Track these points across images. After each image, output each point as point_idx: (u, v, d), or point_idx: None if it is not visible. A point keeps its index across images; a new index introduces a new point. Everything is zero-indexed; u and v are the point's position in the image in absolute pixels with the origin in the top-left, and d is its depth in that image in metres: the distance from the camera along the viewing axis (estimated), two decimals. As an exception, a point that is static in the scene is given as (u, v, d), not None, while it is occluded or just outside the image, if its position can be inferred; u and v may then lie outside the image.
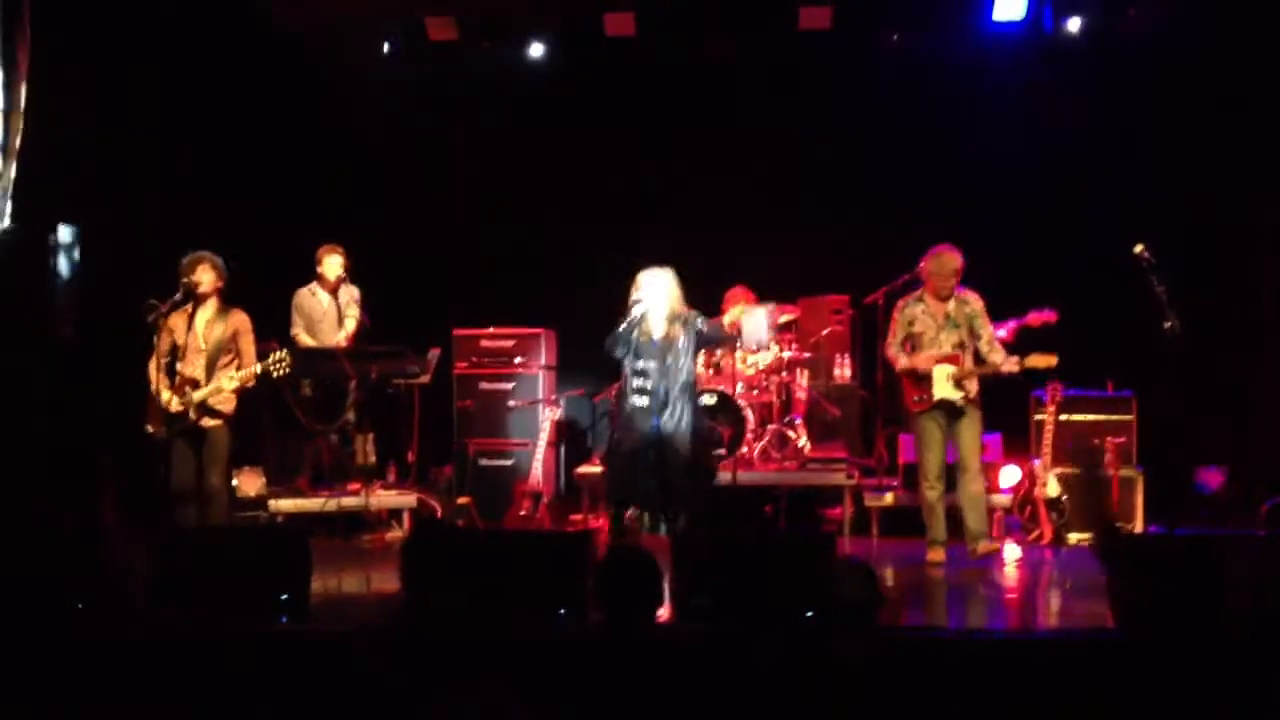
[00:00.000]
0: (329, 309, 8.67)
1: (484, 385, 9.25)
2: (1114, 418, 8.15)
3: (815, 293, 9.73)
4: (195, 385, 6.87)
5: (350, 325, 8.71)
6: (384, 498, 8.60)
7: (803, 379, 9.40)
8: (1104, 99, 9.13)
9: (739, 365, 8.95)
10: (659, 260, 7.21)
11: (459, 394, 9.24)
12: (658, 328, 7.02)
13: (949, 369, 7.04)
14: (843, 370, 9.58)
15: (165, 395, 6.81)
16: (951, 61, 9.36)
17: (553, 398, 9.11)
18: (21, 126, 7.52)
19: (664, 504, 6.91)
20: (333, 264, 8.60)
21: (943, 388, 7.05)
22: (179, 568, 5.62)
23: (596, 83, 9.80)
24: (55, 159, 7.81)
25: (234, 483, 7.88)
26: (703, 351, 9.00)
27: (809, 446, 9.01)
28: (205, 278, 6.91)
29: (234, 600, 5.44)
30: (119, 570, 5.79)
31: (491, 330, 9.33)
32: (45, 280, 8.03)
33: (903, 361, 7.20)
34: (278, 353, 6.96)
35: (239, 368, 6.96)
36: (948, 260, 7.08)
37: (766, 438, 8.95)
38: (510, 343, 9.29)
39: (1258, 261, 8.83)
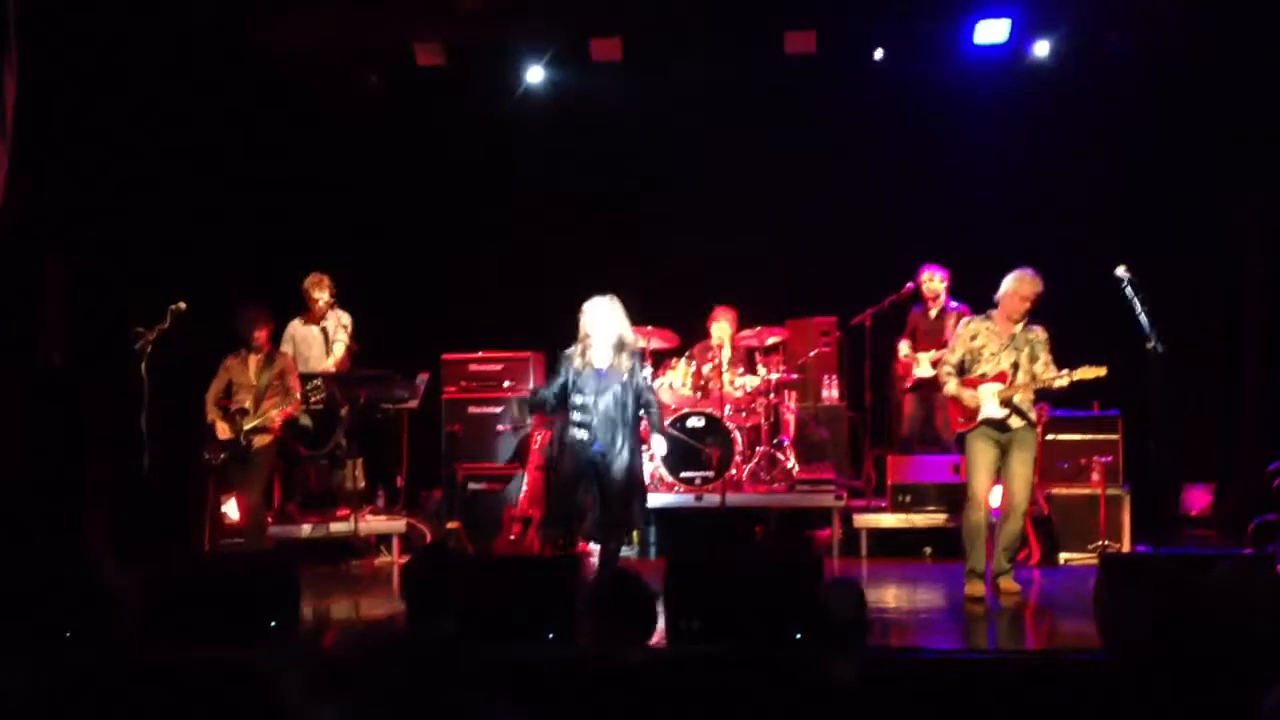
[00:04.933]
0: (317, 336, 8.72)
1: (473, 409, 9.26)
2: (1100, 437, 8.18)
3: (803, 315, 9.77)
4: (245, 415, 7.57)
5: (339, 351, 8.75)
6: (373, 523, 8.59)
7: (791, 401, 9.42)
8: (1084, 121, 9.21)
9: (727, 388, 8.98)
10: (667, 281, 7.23)
11: (448, 418, 9.24)
12: (602, 356, 6.88)
13: (996, 387, 6.82)
14: (830, 392, 9.60)
15: (220, 425, 7.58)
16: (935, 84, 9.42)
17: (541, 421, 9.10)
18: (10, 152, 7.52)
19: (602, 536, 6.93)
20: (321, 292, 8.66)
21: (989, 407, 6.82)
22: (167, 595, 5.60)
23: (583, 107, 9.84)
24: (44, 185, 7.82)
25: (222, 509, 7.92)
26: (690, 374, 9.07)
27: (797, 468, 9.03)
28: (260, 335, 7.69)
29: (222, 627, 5.42)
30: (106, 598, 5.78)
31: (480, 354, 9.34)
32: (34, 307, 8.02)
33: (949, 388, 6.98)
34: (314, 381, 7.79)
35: (285, 400, 7.63)
36: (1027, 284, 6.84)
37: (755, 460, 8.97)
38: (498, 366, 9.30)
39: (1241, 280, 8.90)
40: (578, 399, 6.88)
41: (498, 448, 9.20)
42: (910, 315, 9.18)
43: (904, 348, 9.10)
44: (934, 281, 8.95)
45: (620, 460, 6.82)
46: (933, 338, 8.93)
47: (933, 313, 9.00)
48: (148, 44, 8.39)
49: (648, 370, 7.09)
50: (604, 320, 6.88)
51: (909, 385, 9.10)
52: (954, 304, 8.90)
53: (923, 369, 8.89)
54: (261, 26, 8.94)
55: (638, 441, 7.01)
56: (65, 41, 7.91)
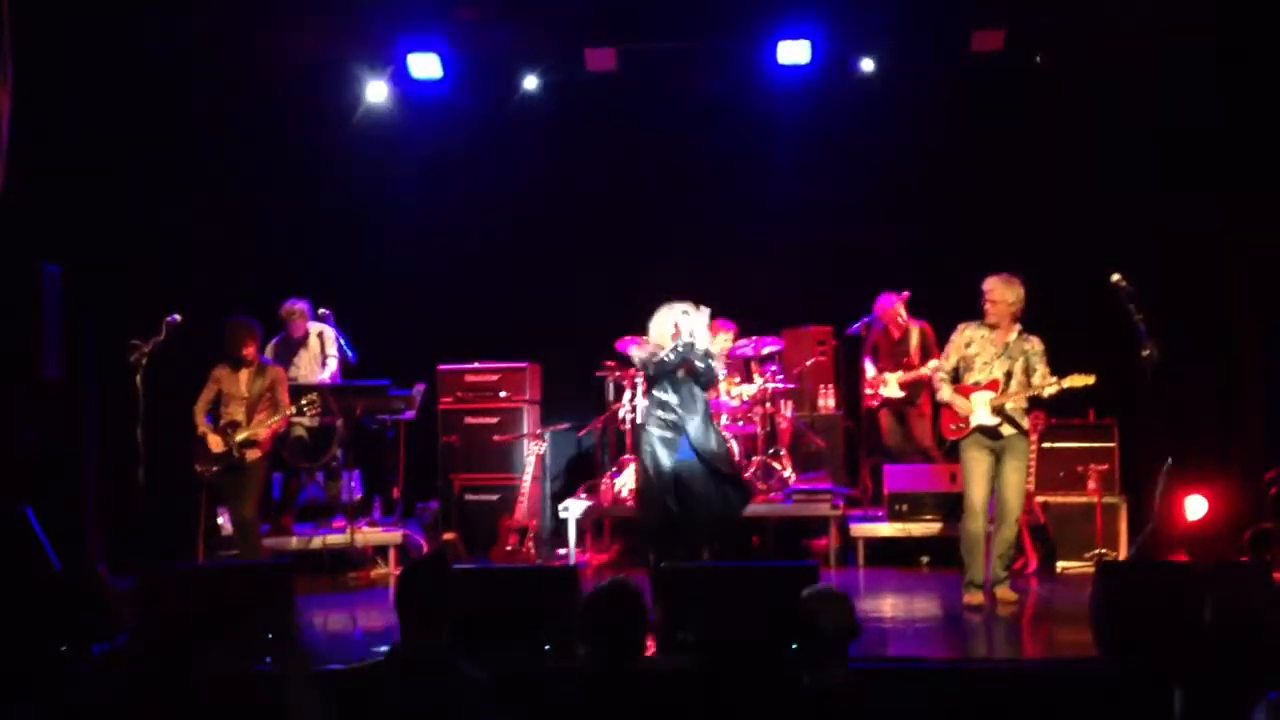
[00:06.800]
0: (304, 351, 8.79)
1: (469, 420, 9.25)
2: (1096, 445, 8.19)
3: (798, 324, 9.76)
4: (236, 427, 7.50)
5: (333, 364, 8.77)
6: (369, 534, 8.58)
7: (787, 410, 9.41)
8: (1090, 129, 9.21)
9: (723, 396, 8.98)
10: (671, 294, 7.17)
11: (444, 429, 9.23)
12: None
13: (988, 395, 6.85)
14: (826, 401, 9.59)
15: (211, 438, 7.49)
16: (929, 91, 9.42)
17: (538, 432, 9.10)
18: (6, 166, 7.52)
19: (693, 544, 6.80)
20: (298, 318, 8.75)
21: (980, 414, 6.84)
22: (163, 607, 5.60)
23: (578, 118, 9.83)
24: (40, 199, 7.82)
25: (218, 520, 7.93)
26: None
27: (794, 477, 9.02)
28: (249, 350, 7.61)
29: (218, 639, 5.42)
30: (104, 610, 5.78)
31: (476, 365, 9.34)
32: (31, 321, 8.01)
33: (942, 394, 7.02)
34: (309, 395, 7.85)
35: (275, 413, 7.58)
36: (999, 289, 6.90)
37: (751, 469, 8.96)
38: (495, 377, 9.29)
39: (1237, 287, 8.89)
40: (664, 396, 6.89)
41: (494, 458, 9.19)
42: (871, 332, 9.21)
43: (870, 368, 9.12)
44: (902, 316, 9.00)
45: (710, 442, 6.81)
46: (896, 359, 9.00)
47: (896, 333, 9.04)
48: (147, 57, 8.39)
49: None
50: (702, 326, 6.96)
51: (875, 404, 9.13)
52: (914, 321, 8.99)
53: (890, 389, 8.95)
54: (261, 33, 8.93)
55: (720, 436, 7.05)
56: (63, 57, 7.91)
